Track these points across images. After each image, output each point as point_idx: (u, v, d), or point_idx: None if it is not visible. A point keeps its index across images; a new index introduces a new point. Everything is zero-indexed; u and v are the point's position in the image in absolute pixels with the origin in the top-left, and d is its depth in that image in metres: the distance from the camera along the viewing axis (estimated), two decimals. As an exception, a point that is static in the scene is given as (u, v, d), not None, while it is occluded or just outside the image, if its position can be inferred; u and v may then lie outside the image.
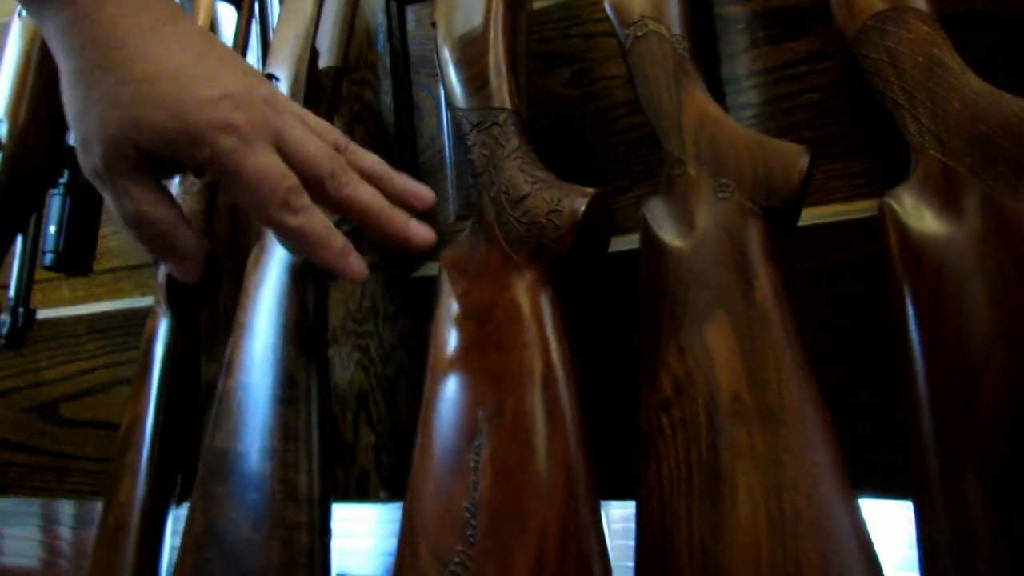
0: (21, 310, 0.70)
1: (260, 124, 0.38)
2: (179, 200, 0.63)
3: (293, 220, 0.38)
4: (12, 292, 0.70)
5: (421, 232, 0.43)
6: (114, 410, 0.82)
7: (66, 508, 1.05)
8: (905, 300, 0.39)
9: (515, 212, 0.43)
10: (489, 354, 0.41)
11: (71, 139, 0.71)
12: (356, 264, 0.41)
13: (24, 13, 0.69)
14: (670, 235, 0.44)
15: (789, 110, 0.58)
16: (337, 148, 0.42)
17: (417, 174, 0.70)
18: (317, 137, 0.41)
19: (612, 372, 0.53)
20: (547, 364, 0.40)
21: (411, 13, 0.72)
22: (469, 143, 0.47)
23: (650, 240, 0.45)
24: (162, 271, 0.61)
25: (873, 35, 0.44)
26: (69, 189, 0.72)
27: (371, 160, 0.44)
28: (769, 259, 0.42)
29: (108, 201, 0.40)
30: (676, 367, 0.41)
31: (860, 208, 0.55)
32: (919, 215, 0.40)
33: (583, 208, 0.41)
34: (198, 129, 0.36)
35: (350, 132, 0.71)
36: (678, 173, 0.46)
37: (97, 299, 0.85)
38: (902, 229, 0.40)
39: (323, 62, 0.59)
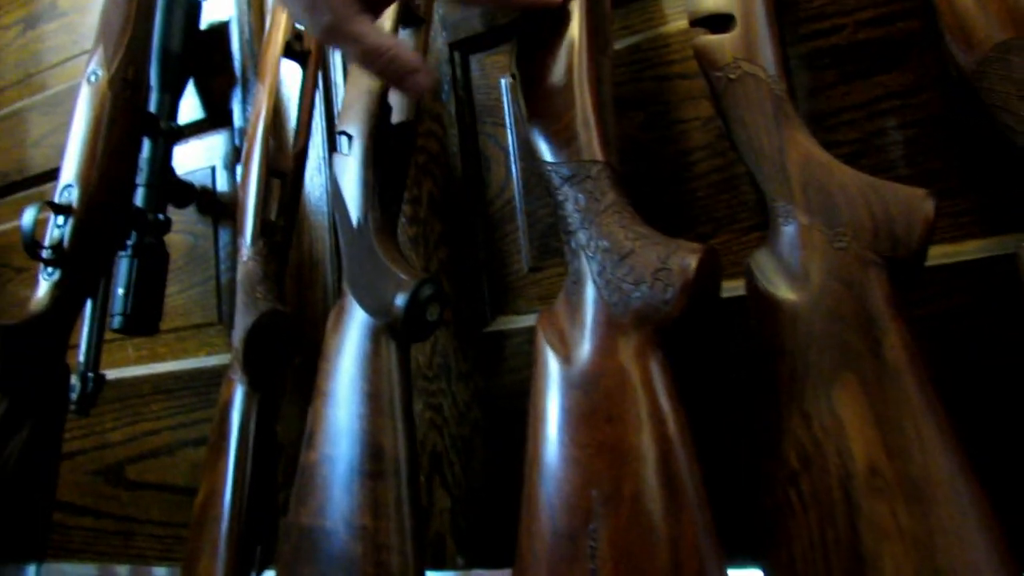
0: (91, 375, 0.69)
1: None
2: (251, 263, 0.63)
3: None
4: (82, 357, 0.70)
5: None
6: (179, 472, 0.80)
7: (122, 572, 1.03)
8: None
9: (618, 271, 0.40)
10: (599, 427, 0.38)
11: (140, 204, 0.71)
12: None
13: (93, 79, 0.70)
14: (783, 290, 0.41)
15: (883, 147, 0.54)
16: None
17: (487, 225, 0.68)
18: None
19: (706, 431, 0.50)
20: (664, 438, 0.36)
21: (475, 62, 0.70)
22: (560, 198, 0.44)
23: (760, 296, 0.42)
24: (236, 336, 0.59)
25: (997, 67, 0.41)
26: (137, 251, 0.72)
27: None
28: (897, 314, 0.39)
29: (343, 50, 0.49)
30: (802, 436, 0.38)
31: (971, 249, 0.51)
32: (1069, 262, 0.36)
33: (694, 265, 0.38)
34: None
35: (417, 185, 0.69)
36: (786, 222, 0.43)
37: (161, 359, 0.85)
38: (1050, 279, 0.37)
39: (394, 117, 0.57)
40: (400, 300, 0.47)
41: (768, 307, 0.41)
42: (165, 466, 0.81)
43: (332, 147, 0.74)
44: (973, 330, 0.50)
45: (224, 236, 0.81)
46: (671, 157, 0.61)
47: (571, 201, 0.43)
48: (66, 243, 0.65)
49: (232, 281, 0.79)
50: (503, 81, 0.68)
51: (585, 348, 0.40)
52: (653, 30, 0.63)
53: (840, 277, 0.40)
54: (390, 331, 0.48)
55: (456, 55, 0.70)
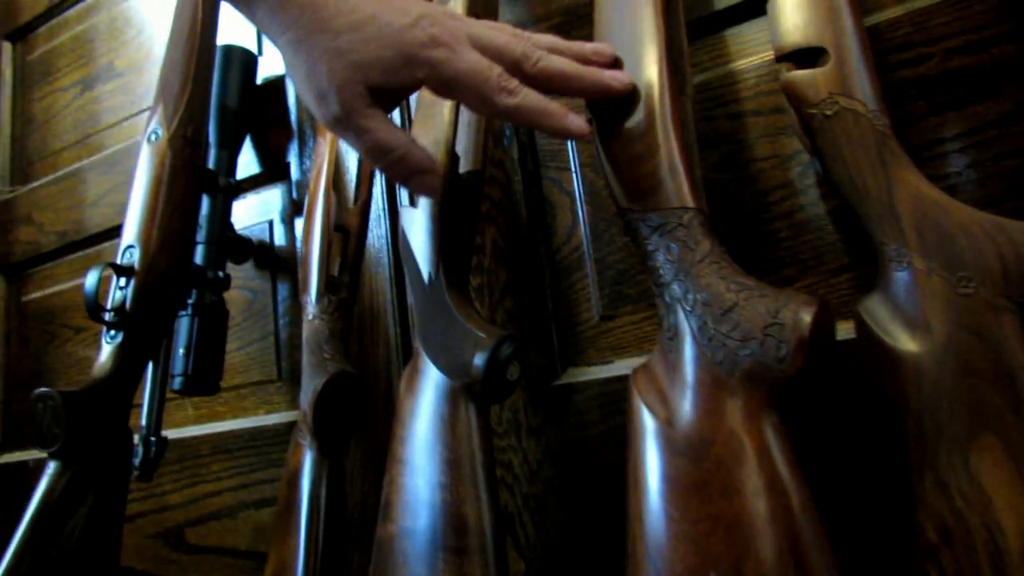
0: (153, 439, 0.68)
1: (455, 31, 0.43)
2: (317, 322, 0.61)
3: (513, 100, 0.43)
4: (143, 421, 0.68)
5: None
6: (241, 536, 0.78)
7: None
8: None
9: (722, 327, 0.37)
10: (713, 500, 0.34)
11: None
12: (576, 122, 0.45)
13: (153, 138, 0.69)
14: (903, 340, 0.37)
15: (983, 180, 0.51)
16: (515, 35, 0.46)
17: (555, 273, 0.65)
18: (499, 30, 0.45)
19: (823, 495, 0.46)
20: (788, 512, 0.33)
21: (536, 107, 0.69)
22: (650, 248, 0.41)
23: (875, 345, 0.38)
24: (304, 399, 0.57)
25: None
26: (197, 310, 0.71)
27: (548, 38, 0.47)
28: (1038, 366, 0.35)
29: (351, 143, 0.44)
30: (938, 506, 0.34)
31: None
32: None
33: (809, 320, 0.35)
34: (411, 51, 0.41)
35: (481, 233, 0.67)
36: (899, 267, 0.39)
37: (221, 418, 0.83)
38: None
39: (462, 167, 0.55)
40: (479, 360, 0.44)
41: (886, 359, 0.38)
42: (226, 529, 0.79)
43: (392, 199, 0.73)
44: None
45: (282, 291, 0.80)
46: (749, 198, 0.58)
47: (662, 251, 0.41)
48: (128, 305, 0.64)
49: (292, 336, 0.78)
50: (566, 125, 0.66)
51: (688, 410, 0.37)
52: (723, 67, 0.61)
53: (969, 326, 0.36)
54: (468, 392, 0.45)
55: (516, 100, 0.68)
